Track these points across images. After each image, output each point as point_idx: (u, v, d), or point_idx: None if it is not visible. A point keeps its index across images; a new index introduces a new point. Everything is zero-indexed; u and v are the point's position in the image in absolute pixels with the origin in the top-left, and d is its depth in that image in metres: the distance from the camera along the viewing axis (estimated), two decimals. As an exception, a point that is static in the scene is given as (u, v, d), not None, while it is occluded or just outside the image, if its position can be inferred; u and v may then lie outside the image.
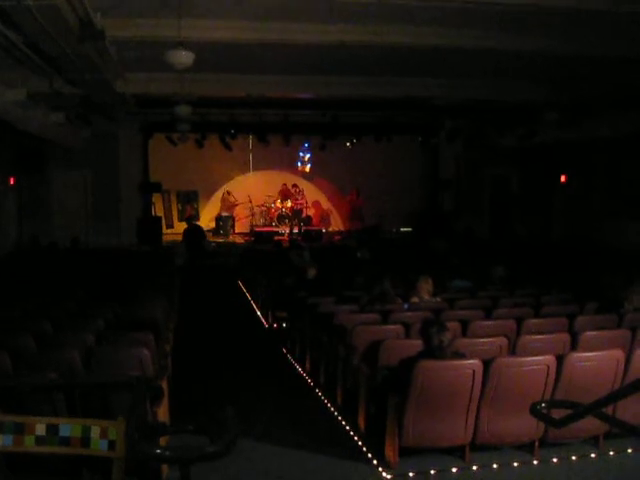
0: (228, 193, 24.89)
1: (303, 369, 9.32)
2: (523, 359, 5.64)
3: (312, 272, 11.68)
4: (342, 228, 25.93)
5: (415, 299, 9.22)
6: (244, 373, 9.24)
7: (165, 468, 5.24)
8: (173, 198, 25.19)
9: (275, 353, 10.61)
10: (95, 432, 3.18)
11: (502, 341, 6.51)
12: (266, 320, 13.25)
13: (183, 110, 14.55)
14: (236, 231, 25.03)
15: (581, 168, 18.50)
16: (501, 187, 22.46)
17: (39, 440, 3.21)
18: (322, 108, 19.79)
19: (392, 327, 7.33)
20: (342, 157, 24.66)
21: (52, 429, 3.23)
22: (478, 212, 23.35)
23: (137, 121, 22.07)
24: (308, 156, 25.68)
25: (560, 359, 5.64)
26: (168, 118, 18.56)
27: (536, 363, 5.53)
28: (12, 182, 20.46)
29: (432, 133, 23.55)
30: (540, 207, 20.31)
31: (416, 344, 6.11)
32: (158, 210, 24.49)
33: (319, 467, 5.93)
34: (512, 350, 6.52)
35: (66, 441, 3.22)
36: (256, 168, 25.70)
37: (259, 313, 14.10)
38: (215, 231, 24.65)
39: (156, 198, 24.32)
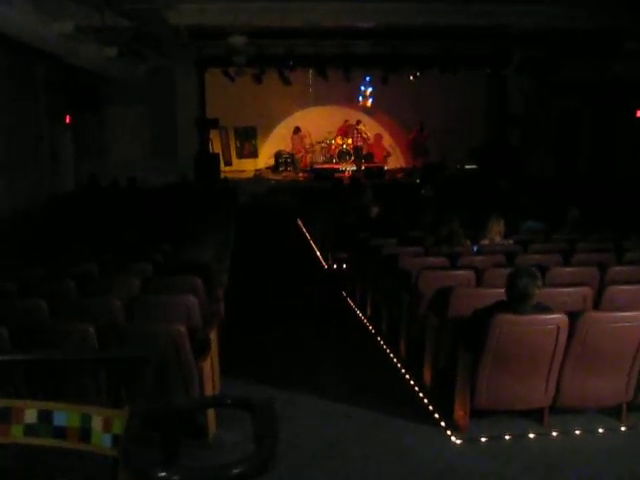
0: (298, 129, 24.19)
1: (364, 315, 8.78)
2: (615, 314, 4.90)
3: (375, 211, 11.03)
4: (405, 165, 25.07)
5: (485, 241, 8.52)
6: (300, 319, 8.77)
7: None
8: (231, 135, 24.70)
9: (334, 297, 10.10)
10: (97, 423, 2.56)
11: (586, 291, 5.79)
12: (325, 261, 12.73)
13: (237, 40, 13.89)
14: (296, 168, 24.38)
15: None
16: (572, 123, 21.20)
17: (29, 430, 2.63)
18: (383, 38, 18.74)
19: (461, 273, 6.64)
20: (405, 91, 23.58)
21: (45, 416, 2.62)
22: (546, 149, 22.15)
23: (193, 56, 21.39)
24: (370, 90, 24.72)
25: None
26: (224, 52, 17.98)
27: (630, 319, 4.81)
28: (67, 120, 20.23)
29: (500, 65, 22.24)
30: (612, 145, 19.09)
31: (489, 293, 5.47)
32: (216, 147, 24.03)
33: (380, 430, 5.36)
34: (597, 301, 5.84)
35: (62, 432, 2.62)
36: (316, 103, 24.88)
37: (318, 254, 13.59)
38: (274, 168, 24.13)
39: (214, 135, 23.84)
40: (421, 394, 5.95)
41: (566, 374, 4.89)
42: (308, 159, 24.58)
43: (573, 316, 4.74)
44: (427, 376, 6.03)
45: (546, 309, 4.94)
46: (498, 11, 14.65)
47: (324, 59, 21.29)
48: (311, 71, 23.56)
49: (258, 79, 22.22)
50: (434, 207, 12.05)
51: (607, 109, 19.27)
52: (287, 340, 7.78)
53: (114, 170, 20.68)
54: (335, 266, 11.90)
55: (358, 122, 24.72)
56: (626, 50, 15.96)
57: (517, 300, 4.83)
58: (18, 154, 15.92)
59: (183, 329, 4.60)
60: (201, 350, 5.04)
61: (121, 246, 9.07)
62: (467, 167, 23.69)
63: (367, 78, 24.30)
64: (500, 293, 5.20)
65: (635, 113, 18.26)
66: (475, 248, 8.38)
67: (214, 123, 22.98)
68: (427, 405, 5.71)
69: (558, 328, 4.70)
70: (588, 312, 4.83)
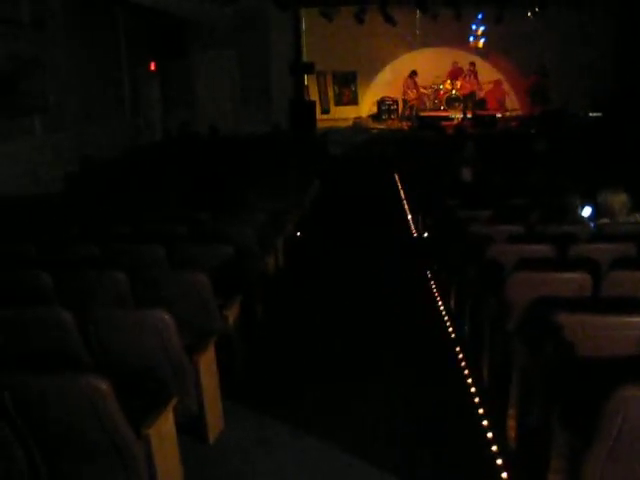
0: (414, 74, 21.99)
1: (446, 308, 6.88)
2: None
3: (467, 173, 9.00)
4: (521, 112, 22.44)
5: (604, 220, 6.37)
6: (366, 311, 6.96)
7: None
8: (329, 80, 22.77)
9: (416, 278, 8.20)
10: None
11: None
12: (416, 228, 10.82)
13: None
14: (407, 115, 22.25)
15: None
16: None
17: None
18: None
19: (572, 276, 4.54)
20: (521, 30, 20.82)
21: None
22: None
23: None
24: (482, 29, 22.13)
25: None
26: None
27: None
28: (153, 67, 18.99)
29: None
30: None
31: (617, 323, 3.50)
32: (312, 94, 22.23)
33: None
34: None
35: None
36: (424, 45, 22.58)
37: (410, 217, 11.67)
38: (377, 117, 22.14)
39: (311, 81, 22.05)
40: (500, 459, 4.03)
41: None
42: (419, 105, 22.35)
43: None
44: (511, 433, 4.09)
45: None
46: None
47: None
48: (418, 10, 21.22)
49: (359, 19, 20.11)
50: (545, 166, 9.87)
51: None
52: (337, 349, 5.95)
53: (205, 119, 19.38)
54: (425, 234, 10.00)
55: (472, 64, 22.21)
56: None
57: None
58: (97, 102, 14.82)
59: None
60: (160, 402, 3.36)
61: (149, 215, 7.51)
62: (591, 115, 20.72)
63: (479, 16, 21.73)
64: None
65: None
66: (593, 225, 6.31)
67: (309, 68, 21.21)
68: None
69: None
70: None
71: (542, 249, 5.35)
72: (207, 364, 4.17)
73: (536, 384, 3.67)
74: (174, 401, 3.50)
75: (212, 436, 4.22)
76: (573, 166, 10.00)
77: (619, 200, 6.13)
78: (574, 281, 4.51)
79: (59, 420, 3.05)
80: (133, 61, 17.42)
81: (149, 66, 18.76)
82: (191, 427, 4.09)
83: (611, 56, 21.14)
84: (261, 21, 20.39)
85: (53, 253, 5.89)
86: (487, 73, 22.54)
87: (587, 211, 6.42)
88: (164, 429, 3.37)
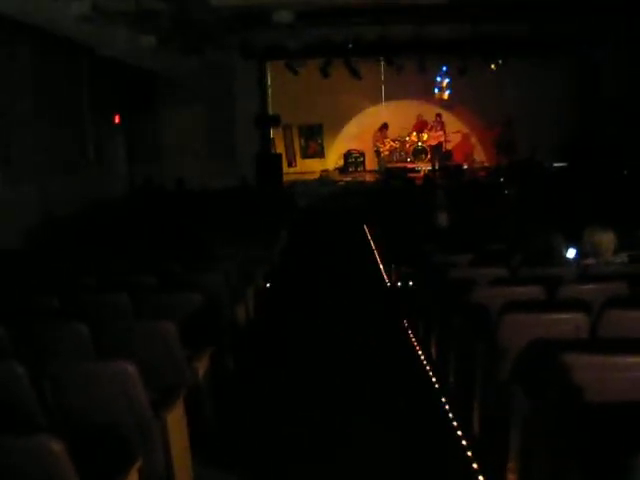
0: (385, 127, 22.14)
1: (427, 358, 6.55)
2: None
3: (443, 218, 8.80)
4: (487, 163, 22.53)
5: (589, 260, 6.12)
6: (341, 362, 6.62)
7: None
8: (295, 133, 22.75)
9: (392, 326, 7.90)
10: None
11: None
12: (388, 276, 10.55)
13: (283, 17, 11.79)
14: (367, 168, 22.31)
15: None
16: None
17: None
18: (460, 16, 16.23)
19: (567, 317, 4.29)
20: (485, 81, 21.02)
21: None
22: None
23: (250, 47, 19.42)
24: (446, 81, 22.30)
25: None
26: (274, 37, 16.13)
27: None
28: (118, 120, 18.72)
29: (594, 45, 19.38)
30: None
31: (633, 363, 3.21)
32: (279, 147, 22.15)
33: None
34: None
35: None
36: (389, 98, 22.75)
37: (382, 267, 11.41)
38: (343, 169, 22.13)
39: (277, 134, 21.97)
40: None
41: None
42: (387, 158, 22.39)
43: None
44: (512, 489, 3.75)
45: None
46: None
47: (395, 46, 18.97)
48: (383, 63, 21.42)
49: (324, 72, 20.18)
50: (519, 212, 9.72)
51: None
52: (312, 403, 5.60)
53: (171, 173, 19.09)
54: (399, 283, 9.72)
55: (439, 115, 22.39)
56: None
57: None
58: (60, 155, 14.42)
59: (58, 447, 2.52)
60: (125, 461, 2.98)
61: (114, 266, 7.16)
62: (556, 165, 20.70)
63: (443, 68, 21.92)
64: None
65: None
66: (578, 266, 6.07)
67: (275, 120, 21.10)
68: None
69: None
70: None
71: (530, 291, 5.08)
72: (175, 420, 3.79)
73: (541, 433, 3.34)
74: (139, 462, 3.12)
75: (182, 501, 3.82)
76: (546, 211, 9.85)
77: (607, 239, 5.90)
78: (569, 322, 4.22)
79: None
80: (98, 114, 17.16)
81: (115, 119, 18.51)
82: (158, 492, 3.69)
83: (576, 106, 21.32)
84: (227, 74, 20.32)
85: (10, 305, 5.50)
86: (453, 125, 22.68)
87: (571, 252, 6.20)
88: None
